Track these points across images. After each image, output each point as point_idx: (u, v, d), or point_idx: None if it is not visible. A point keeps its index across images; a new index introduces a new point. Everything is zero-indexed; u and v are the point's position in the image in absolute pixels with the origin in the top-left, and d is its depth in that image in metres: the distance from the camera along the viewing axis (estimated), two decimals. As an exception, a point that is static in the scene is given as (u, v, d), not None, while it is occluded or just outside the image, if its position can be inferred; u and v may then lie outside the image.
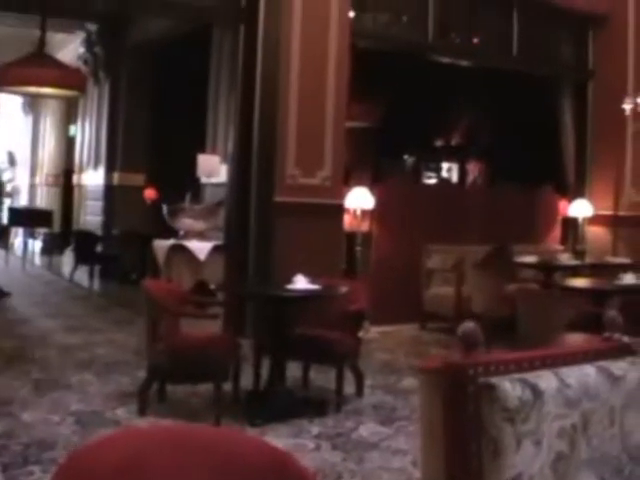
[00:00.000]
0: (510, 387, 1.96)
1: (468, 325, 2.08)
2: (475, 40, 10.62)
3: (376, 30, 9.65)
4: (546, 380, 2.04)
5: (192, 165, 8.74)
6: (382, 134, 13.07)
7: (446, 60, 10.51)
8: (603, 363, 2.23)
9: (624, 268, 8.28)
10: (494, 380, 1.97)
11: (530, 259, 9.18)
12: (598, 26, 11.37)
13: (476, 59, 10.74)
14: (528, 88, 11.25)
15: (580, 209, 11.22)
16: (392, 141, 13.04)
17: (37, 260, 15.83)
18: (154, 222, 10.26)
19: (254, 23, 8.43)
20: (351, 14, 8.91)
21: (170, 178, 10.92)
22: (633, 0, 11.09)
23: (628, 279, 7.28)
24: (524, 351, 2.19)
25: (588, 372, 2.16)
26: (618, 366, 2.24)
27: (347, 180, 9.33)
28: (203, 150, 9.13)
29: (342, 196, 8.91)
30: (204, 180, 9.04)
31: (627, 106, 10.41)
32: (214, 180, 8.83)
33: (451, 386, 1.99)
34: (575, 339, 5.44)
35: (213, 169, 8.70)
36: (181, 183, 8.93)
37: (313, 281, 5.78)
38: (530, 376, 2.03)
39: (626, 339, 2.37)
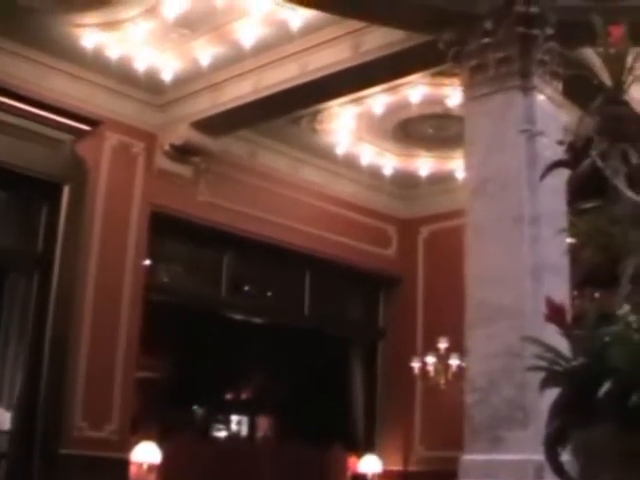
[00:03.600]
0: None
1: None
2: (268, 296, 12.47)
3: (170, 283, 11.27)
4: None
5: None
6: (173, 386, 14.30)
7: (239, 316, 12.22)
8: None
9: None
10: None
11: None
12: (389, 287, 13.33)
13: (268, 316, 12.38)
14: (320, 345, 12.95)
15: (369, 465, 12.45)
16: (182, 393, 14.25)
17: None
18: None
19: (49, 270, 9.50)
20: (146, 263, 10.49)
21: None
22: (423, 262, 13.28)
23: None
24: None
25: None
26: None
27: (135, 432, 10.42)
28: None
29: (129, 449, 9.98)
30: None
31: (415, 365, 12.34)
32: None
33: None
34: None
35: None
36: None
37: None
38: None
39: None
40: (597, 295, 2.74)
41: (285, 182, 11.83)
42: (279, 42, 9.14)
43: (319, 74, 9.08)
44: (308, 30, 8.81)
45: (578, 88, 2.90)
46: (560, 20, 7.34)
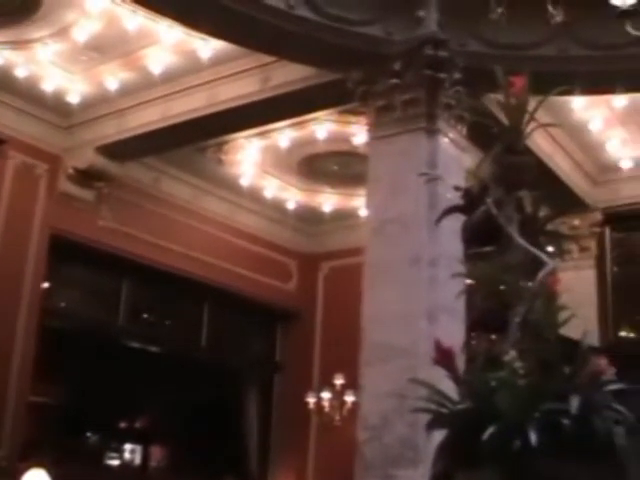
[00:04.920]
0: None
1: None
2: (167, 325, 12.36)
3: (68, 308, 11.08)
4: None
5: None
6: (67, 412, 14.02)
7: (136, 344, 12.08)
8: None
9: None
10: None
11: None
12: (287, 321, 13.35)
13: (166, 345, 12.28)
14: (216, 377, 12.90)
15: None
16: (77, 420, 14.00)
17: None
18: None
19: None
20: (45, 286, 10.31)
21: None
22: (322, 298, 13.37)
23: None
24: None
25: None
26: None
27: (26, 458, 10.17)
28: None
29: (18, 476, 9.72)
30: None
31: (311, 400, 12.35)
32: None
33: None
34: None
35: None
36: None
37: None
38: None
39: None
40: (492, 338, 2.78)
41: (188, 211, 11.77)
42: (189, 71, 9.15)
43: (227, 105, 9.10)
44: (218, 61, 8.85)
45: (482, 133, 2.95)
46: (467, 66, 7.51)
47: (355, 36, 7.58)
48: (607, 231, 11.51)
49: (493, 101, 3.07)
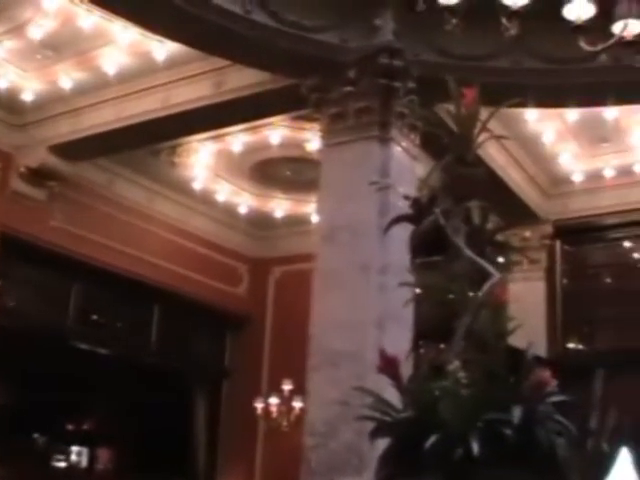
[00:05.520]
0: None
1: None
2: (116, 327, 12.24)
3: (17, 307, 10.93)
4: None
5: None
6: (14, 412, 13.87)
7: (85, 346, 11.95)
8: None
9: None
10: None
11: None
12: (237, 325, 13.26)
13: (115, 347, 12.13)
14: (165, 380, 12.80)
15: None
16: (23, 420, 13.86)
17: None
18: None
19: None
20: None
21: None
22: (272, 303, 13.33)
23: None
24: None
25: None
26: None
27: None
28: None
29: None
30: None
31: (259, 405, 12.31)
32: None
33: None
34: None
35: None
36: None
37: None
38: None
39: None
40: (438, 347, 2.79)
41: (140, 213, 11.69)
42: (143, 73, 9.09)
43: (181, 108, 9.05)
44: (173, 63, 8.81)
45: (436, 142, 2.96)
46: (421, 75, 7.54)
47: (310, 42, 7.58)
48: (557, 244, 11.62)
49: (446, 111, 3.09)
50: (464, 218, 2.88)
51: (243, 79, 8.51)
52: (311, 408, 7.26)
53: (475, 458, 2.35)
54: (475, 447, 2.35)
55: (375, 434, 2.67)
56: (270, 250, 13.23)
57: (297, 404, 11.56)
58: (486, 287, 2.67)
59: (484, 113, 3.01)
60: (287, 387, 11.88)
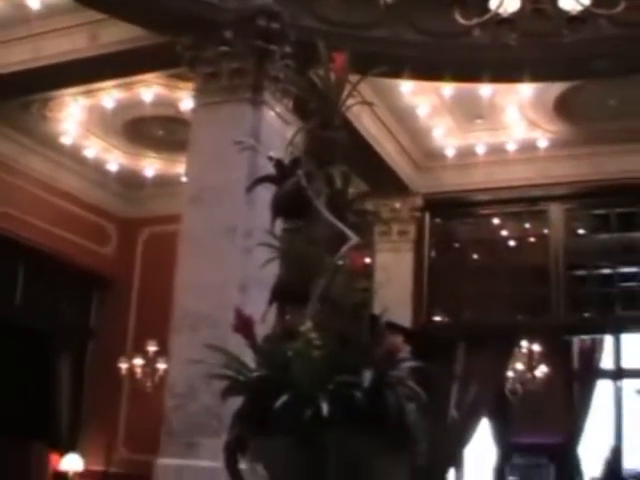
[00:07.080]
0: None
1: None
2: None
3: None
4: None
5: None
6: None
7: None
8: None
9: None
10: None
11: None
12: (104, 285, 13.06)
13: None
14: (28, 339, 12.48)
15: (71, 463, 12.24)
16: None
17: None
18: None
19: None
20: None
21: None
22: (140, 264, 13.16)
23: None
24: None
25: None
26: None
27: None
28: None
29: None
30: None
31: (123, 365, 12.20)
32: None
33: None
34: None
35: None
36: None
37: None
38: None
39: None
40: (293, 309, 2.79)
41: (9, 168, 11.34)
42: (15, 22, 8.80)
43: (53, 60, 8.79)
44: (47, 14, 8.55)
45: (308, 107, 2.95)
46: (298, 40, 7.52)
47: (187, 0, 7.48)
48: (427, 216, 11.79)
49: (316, 75, 3.08)
50: (326, 182, 2.89)
51: (118, 34, 8.31)
52: (172, 370, 7.24)
53: (324, 419, 2.37)
54: (324, 408, 2.37)
55: (227, 393, 2.68)
56: (139, 210, 13.07)
57: (161, 365, 11.52)
58: (342, 250, 2.68)
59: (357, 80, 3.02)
60: (152, 348, 11.83)
